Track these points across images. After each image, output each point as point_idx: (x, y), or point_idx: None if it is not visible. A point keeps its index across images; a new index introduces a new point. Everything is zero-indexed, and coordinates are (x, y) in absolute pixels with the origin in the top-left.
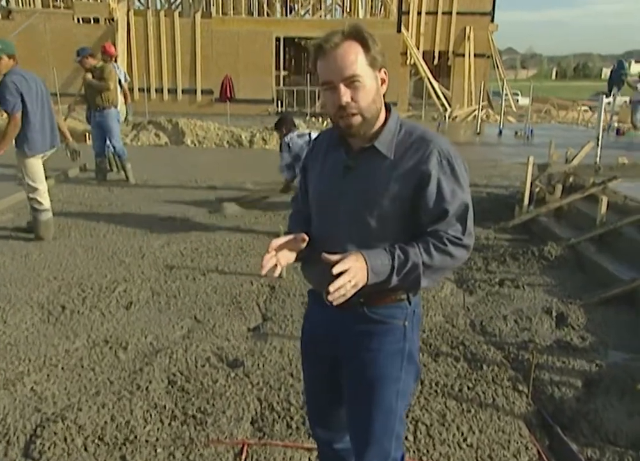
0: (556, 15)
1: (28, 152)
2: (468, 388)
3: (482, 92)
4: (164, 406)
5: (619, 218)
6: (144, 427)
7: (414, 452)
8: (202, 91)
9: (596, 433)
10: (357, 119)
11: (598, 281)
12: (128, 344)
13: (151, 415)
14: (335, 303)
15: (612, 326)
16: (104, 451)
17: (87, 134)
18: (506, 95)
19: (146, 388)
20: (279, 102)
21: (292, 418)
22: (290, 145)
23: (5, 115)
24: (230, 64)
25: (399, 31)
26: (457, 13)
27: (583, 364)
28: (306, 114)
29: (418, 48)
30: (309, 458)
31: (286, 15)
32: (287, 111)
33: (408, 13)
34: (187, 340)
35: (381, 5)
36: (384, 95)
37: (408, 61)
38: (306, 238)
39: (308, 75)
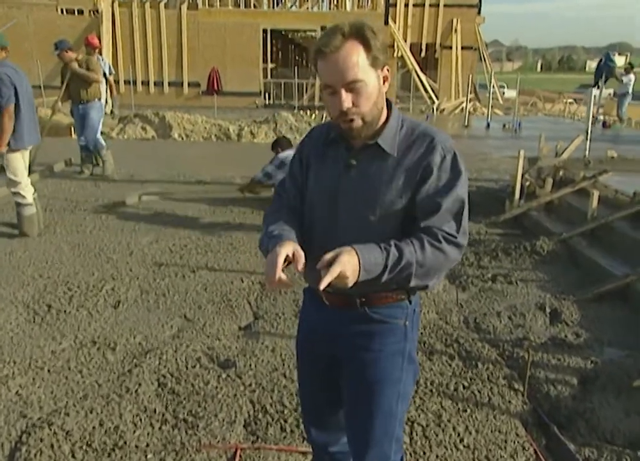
0: (540, 8)
1: (14, 145)
2: (464, 387)
3: (469, 85)
4: (154, 410)
5: (610, 212)
6: (134, 432)
7: (410, 455)
8: (189, 84)
9: (593, 432)
10: (358, 123)
11: (590, 276)
12: (117, 344)
13: (141, 420)
14: (321, 288)
15: (605, 322)
16: (93, 458)
17: (72, 128)
18: (493, 87)
19: (136, 391)
20: (266, 95)
21: (285, 421)
22: (286, 162)
23: None
24: (216, 57)
25: (386, 23)
26: (445, 6)
27: (578, 361)
28: (294, 107)
29: (405, 41)
30: None
31: (273, 7)
32: (282, 136)
33: (395, 5)
34: (177, 340)
35: None
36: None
37: (395, 54)
38: (301, 252)
39: (296, 67)
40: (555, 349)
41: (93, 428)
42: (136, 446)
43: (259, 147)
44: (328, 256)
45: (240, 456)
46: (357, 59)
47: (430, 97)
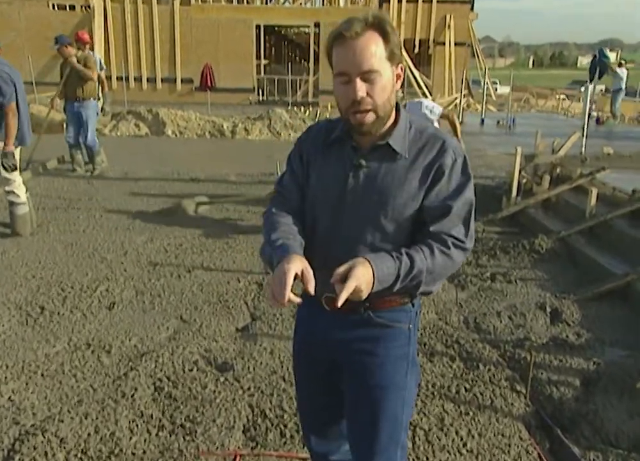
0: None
1: (16, 143)
2: (465, 389)
3: (463, 81)
4: (151, 415)
5: (608, 210)
6: (130, 438)
7: (414, 460)
8: (182, 80)
9: (597, 435)
10: (371, 116)
11: (589, 274)
12: (112, 347)
13: (137, 426)
14: (338, 306)
15: (606, 322)
16: None
17: (64, 125)
18: (486, 83)
19: (132, 395)
20: (260, 91)
21: (285, 426)
22: None
23: None
24: (210, 53)
25: None
26: (438, 2)
27: (580, 362)
28: (288, 104)
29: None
30: None
31: (266, 3)
32: None
33: (389, 1)
34: (174, 342)
35: None
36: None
37: None
38: (310, 271)
39: (289, 64)
40: (557, 350)
41: (88, 434)
42: (133, 453)
43: (253, 144)
44: (342, 269)
45: None
46: (375, 50)
47: (424, 93)
